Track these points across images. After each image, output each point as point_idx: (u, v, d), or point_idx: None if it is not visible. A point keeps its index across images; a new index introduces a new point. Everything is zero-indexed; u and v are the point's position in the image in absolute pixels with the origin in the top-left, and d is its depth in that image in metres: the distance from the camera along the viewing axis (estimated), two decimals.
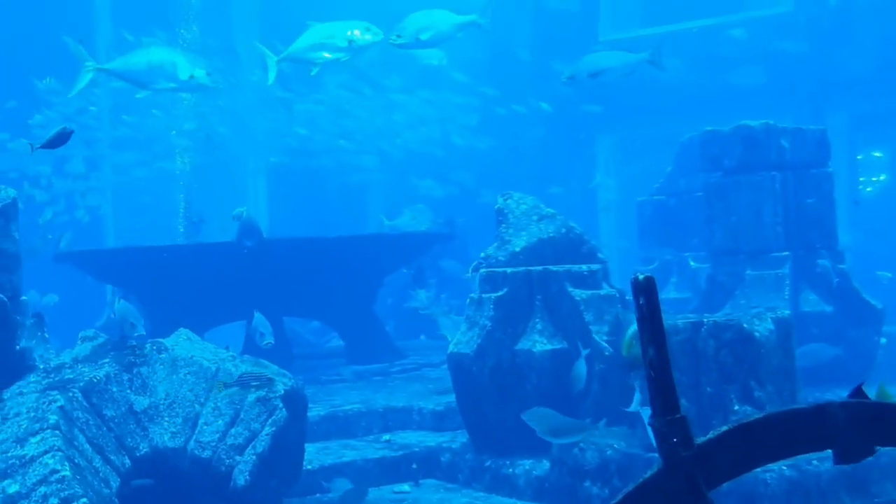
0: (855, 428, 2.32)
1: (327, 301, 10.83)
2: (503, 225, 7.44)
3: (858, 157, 16.60)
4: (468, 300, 7.02)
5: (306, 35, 7.72)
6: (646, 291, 2.37)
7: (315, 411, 7.42)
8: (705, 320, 5.84)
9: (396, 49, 8.00)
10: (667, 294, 10.83)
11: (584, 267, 6.83)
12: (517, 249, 7.18)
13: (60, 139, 6.33)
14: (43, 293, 11.86)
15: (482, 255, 7.39)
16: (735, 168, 9.12)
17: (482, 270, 7.07)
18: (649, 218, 11.85)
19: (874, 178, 18.18)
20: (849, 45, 14.47)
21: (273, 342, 7.49)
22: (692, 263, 11.11)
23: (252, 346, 10.18)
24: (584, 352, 6.23)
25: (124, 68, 7.39)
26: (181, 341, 6.10)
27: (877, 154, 18.06)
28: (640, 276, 2.36)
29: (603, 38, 16.86)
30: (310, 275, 10.29)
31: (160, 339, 6.03)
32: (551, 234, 7.28)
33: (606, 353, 6.24)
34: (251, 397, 5.64)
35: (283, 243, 10.68)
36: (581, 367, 6.16)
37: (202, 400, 5.69)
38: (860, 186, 17.10)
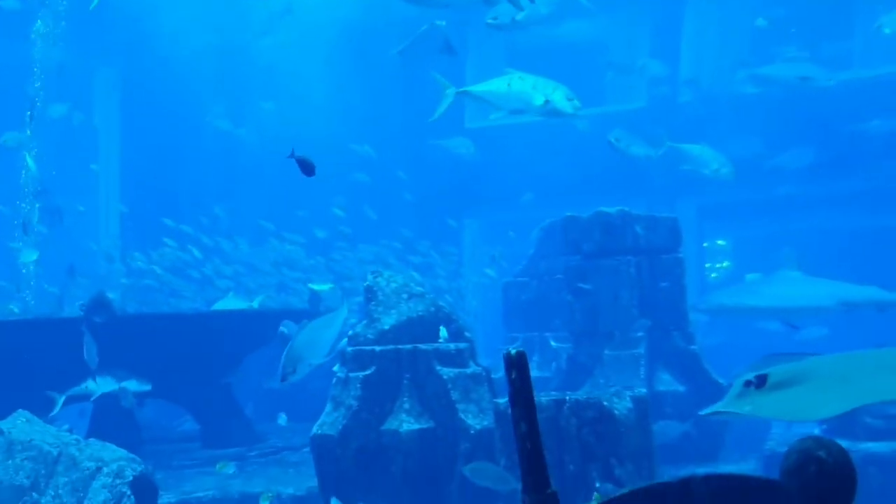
0: (717, 501, 2.38)
1: (180, 381, 10.31)
2: (372, 303, 7.39)
3: (704, 245, 17.66)
4: (334, 380, 6.86)
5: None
6: (518, 366, 2.39)
7: (165, 499, 6.98)
8: (567, 398, 5.94)
9: None
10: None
11: (452, 345, 6.85)
12: (386, 328, 7.13)
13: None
14: None
15: (350, 333, 7.27)
16: (594, 252, 9.46)
17: (349, 349, 6.96)
18: (513, 299, 12.07)
19: (718, 265, 19.41)
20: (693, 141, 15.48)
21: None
22: (553, 343, 11.34)
23: (98, 427, 9.52)
24: None
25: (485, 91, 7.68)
26: (19, 423, 5.65)
27: (720, 242, 19.33)
28: (513, 351, 2.37)
29: (469, 125, 17.38)
30: (163, 353, 9.79)
31: None
32: (420, 313, 7.29)
33: (472, 433, 6.22)
34: (96, 484, 5.25)
35: (135, 319, 10.18)
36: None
37: (42, 487, 5.24)
38: (706, 272, 18.16)
